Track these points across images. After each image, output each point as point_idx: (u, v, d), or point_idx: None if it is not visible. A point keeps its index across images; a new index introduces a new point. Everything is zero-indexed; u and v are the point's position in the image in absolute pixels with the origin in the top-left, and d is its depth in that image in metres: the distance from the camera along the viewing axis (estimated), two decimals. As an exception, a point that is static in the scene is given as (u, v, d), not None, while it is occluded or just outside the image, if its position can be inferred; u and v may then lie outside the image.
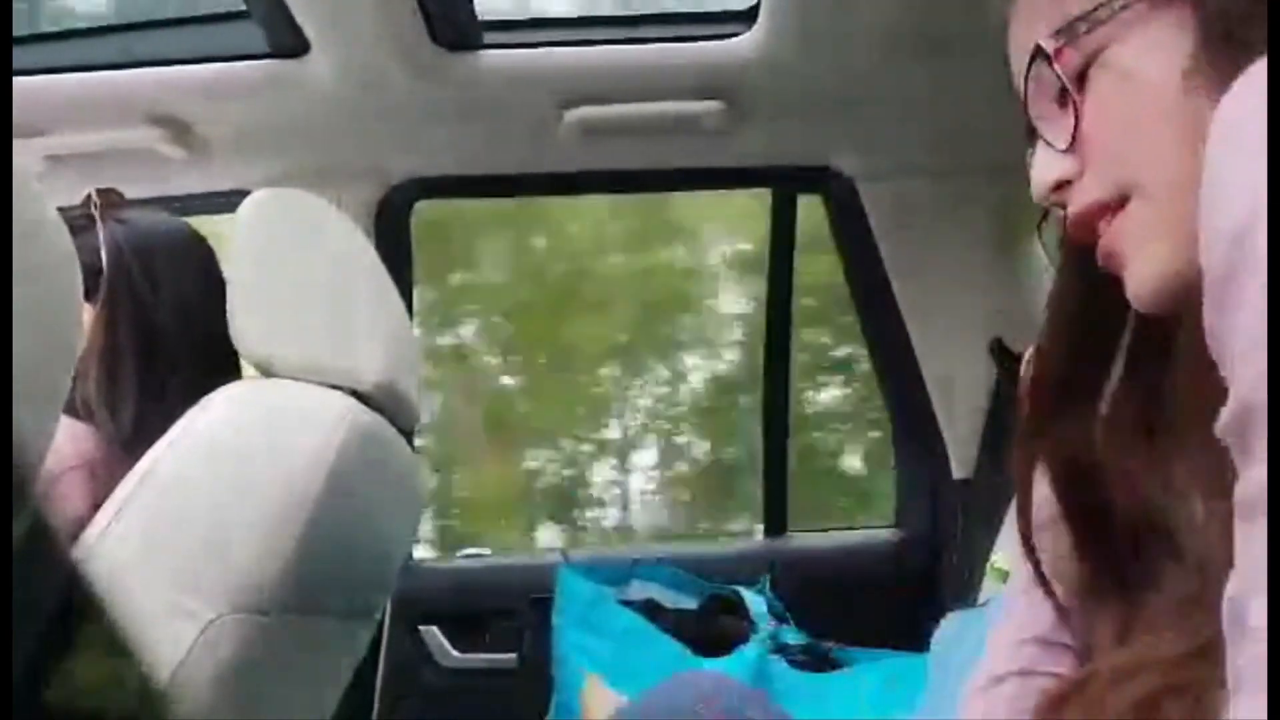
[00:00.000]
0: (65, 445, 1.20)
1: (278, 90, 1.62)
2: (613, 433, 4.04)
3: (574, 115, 1.67)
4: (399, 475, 1.38)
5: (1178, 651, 0.60)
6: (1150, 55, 0.65)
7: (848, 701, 1.57)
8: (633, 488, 4.04)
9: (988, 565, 1.49)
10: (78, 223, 1.33)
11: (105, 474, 1.17)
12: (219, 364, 1.25)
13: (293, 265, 1.28)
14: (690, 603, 1.81)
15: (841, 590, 1.87)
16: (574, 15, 1.71)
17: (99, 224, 1.32)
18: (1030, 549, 0.73)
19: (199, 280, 1.31)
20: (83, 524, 1.10)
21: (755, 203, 2.03)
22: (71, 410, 1.26)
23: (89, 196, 1.34)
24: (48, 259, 0.73)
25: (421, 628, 1.86)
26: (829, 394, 3.49)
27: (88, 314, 1.30)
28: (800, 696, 1.57)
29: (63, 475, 1.17)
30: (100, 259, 1.30)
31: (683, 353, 3.90)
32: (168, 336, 1.30)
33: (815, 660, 1.69)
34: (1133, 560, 0.68)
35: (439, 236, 2.93)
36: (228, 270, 1.27)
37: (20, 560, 0.35)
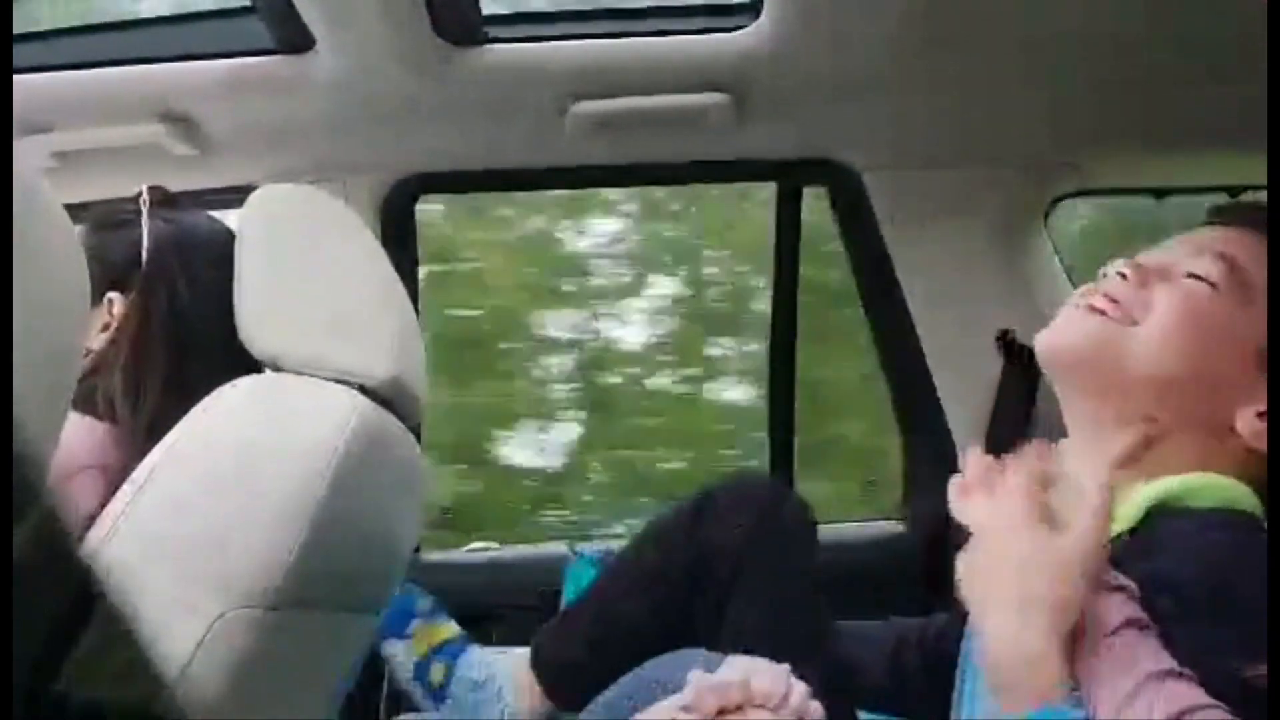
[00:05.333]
0: (81, 444, 1.21)
1: (283, 86, 1.63)
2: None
3: (578, 109, 1.67)
4: (405, 470, 1.38)
5: None
6: None
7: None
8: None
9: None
10: (121, 216, 1.35)
11: (120, 473, 1.17)
12: (246, 365, 1.25)
13: (299, 260, 1.28)
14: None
15: (847, 584, 1.87)
16: (578, 9, 1.71)
17: (144, 219, 1.33)
18: None
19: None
20: (93, 522, 1.11)
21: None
22: (91, 408, 1.26)
23: (140, 193, 1.35)
24: (52, 255, 0.73)
25: (429, 622, 1.86)
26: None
27: (119, 306, 1.30)
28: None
29: (76, 475, 1.18)
30: (140, 253, 1.31)
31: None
32: (199, 335, 1.31)
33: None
34: None
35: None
36: (235, 266, 1.27)
37: (28, 558, 0.36)
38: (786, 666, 0.94)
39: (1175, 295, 0.98)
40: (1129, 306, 0.99)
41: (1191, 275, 0.98)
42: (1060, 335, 1.03)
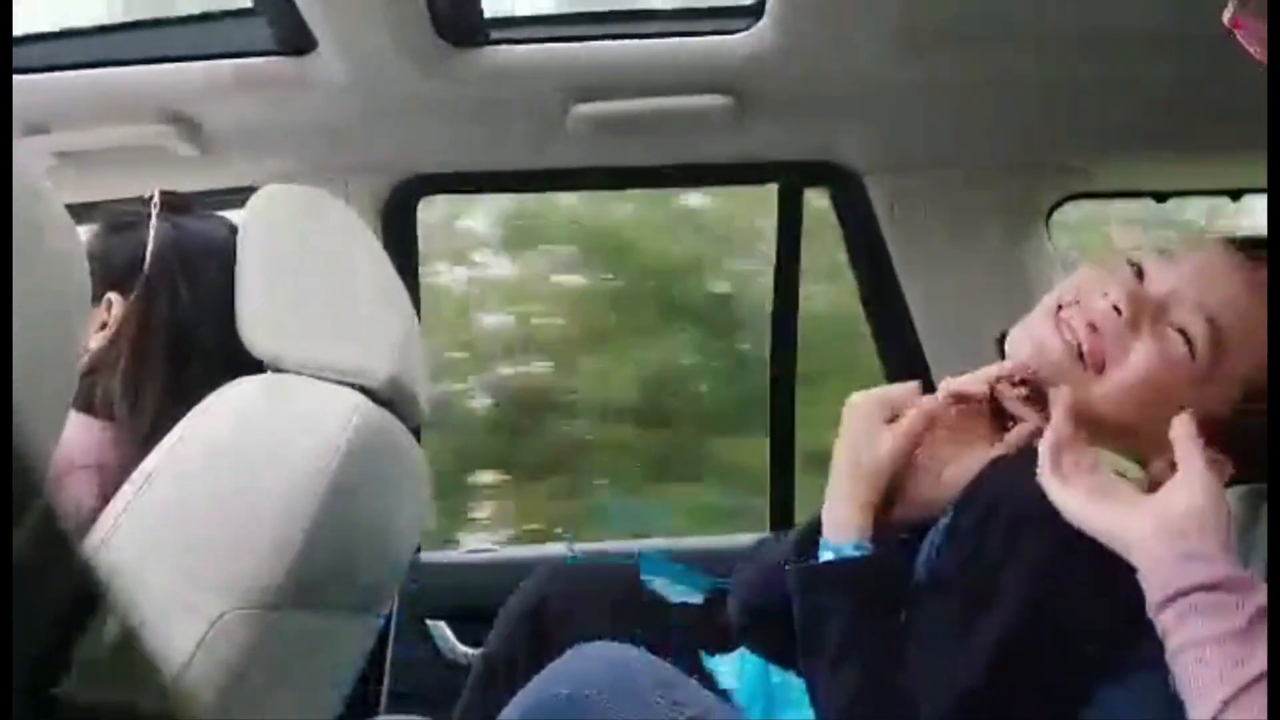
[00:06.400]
0: (78, 443, 1.21)
1: (285, 87, 1.63)
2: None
3: (580, 111, 1.67)
4: (405, 471, 1.38)
5: None
6: None
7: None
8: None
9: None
10: (126, 218, 1.35)
11: (117, 472, 1.18)
12: (247, 366, 1.25)
13: (300, 261, 1.29)
14: (695, 597, 1.81)
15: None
16: (579, 11, 1.71)
17: (152, 222, 1.33)
18: None
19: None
20: (92, 522, 1.11)
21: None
22: (89, 408, 1.26)
23: (151, 196, 1.35)
24: (53, 256, 0.73)
25: (429, 623, 1.86)
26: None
27: (117, 307, 1.31)
28: (804, 699, 1.56)
29: (73, 473, 1.18)
30: (142, 256, 1.31)
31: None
32: (200, 338, 1.31)
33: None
34: None
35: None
36: (236, 266, 1.27)
37: (28, 557, 0.36)
38: None
39: (1153, 357, 0.97)
40: (1106, 348, 0.99)
41: (1179, 329, 0.97)
42: (1027, 345, 1.05)
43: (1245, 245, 1.02)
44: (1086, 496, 0.89)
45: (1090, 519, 0.87)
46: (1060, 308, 1.02)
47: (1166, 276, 1.00)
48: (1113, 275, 1.01)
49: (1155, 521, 0.84)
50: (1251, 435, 0.94)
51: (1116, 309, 0.98)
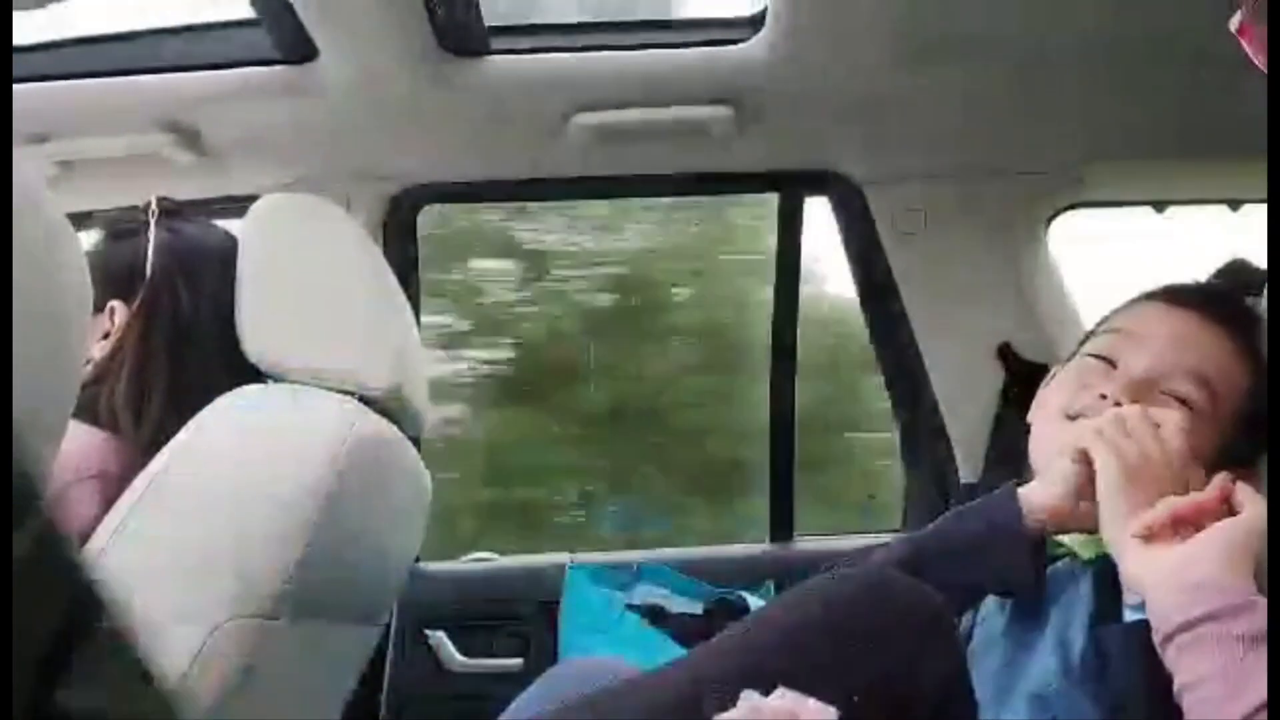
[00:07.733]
0: (81, 453, 1.21)
1: (286, 96, 1.63)
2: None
3: (581, 120, 1.67)
4: (405, 480, 1.38)
5: None
6: None
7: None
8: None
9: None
10: (127, 225, 1.35)
11: (121, 481, 1.17)
12: (248, 375, 1.25)
13: (300, 270, 1.29)
14: (695, 607, 1.81)
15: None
16: (581, 21, 1.71)
17: (150, 229, 1.33)
18: None
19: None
20: (93, 530, 1.11)
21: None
22: (94, 418, 1.26)
23: (148, 203, 1.35)
24: (54, 262, 0.73)
25: (428, 632, 1.86)
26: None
27: (120, 314, 1.30)
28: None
29: (77, 484, 1.18)
30: (144, 263, 1.31)
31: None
32: (203, 346, 1.30)
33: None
34: None
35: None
36: (237, 274, 1.27)
37: (28, 566, 0.36)
38: (835, 711, 0.93)
39: (1174, 426, 1.03)
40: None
41: (1178, 398, 1.06)
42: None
43: (1183, 300, 1.12)
44: (1137, 545, 0.91)
45: (1125, 564, 0.91)
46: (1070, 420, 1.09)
47: (1140, 358, 1.08)
48: (1091, 376, 1.10)
49: (1173, 554, 0.88)
50: (1241, 450, 1.04)
51: (1119, 405, 1.05)
